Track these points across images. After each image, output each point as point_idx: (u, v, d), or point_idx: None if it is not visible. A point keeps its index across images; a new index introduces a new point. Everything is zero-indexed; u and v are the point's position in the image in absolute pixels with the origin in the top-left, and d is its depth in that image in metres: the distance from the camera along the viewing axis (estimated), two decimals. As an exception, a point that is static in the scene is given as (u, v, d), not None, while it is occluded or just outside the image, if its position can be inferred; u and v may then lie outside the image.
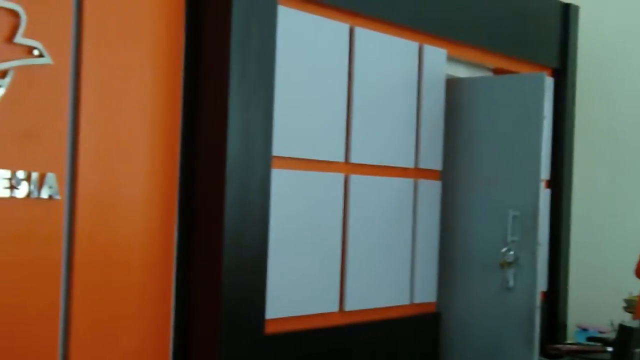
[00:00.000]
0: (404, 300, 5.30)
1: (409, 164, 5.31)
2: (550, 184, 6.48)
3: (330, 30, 4.76)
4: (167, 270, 4.08)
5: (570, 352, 3.98)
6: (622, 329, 3.68)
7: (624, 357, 3.64)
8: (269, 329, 4.38)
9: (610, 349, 3.80)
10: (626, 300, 6.00)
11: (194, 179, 4.17)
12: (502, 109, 5.49)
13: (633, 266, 5.36)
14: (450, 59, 5.65)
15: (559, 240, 6.53)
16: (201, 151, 4.16)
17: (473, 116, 5.60)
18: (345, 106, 4.85)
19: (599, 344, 5.24)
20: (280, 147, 4.42)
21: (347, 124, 4.87)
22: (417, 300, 5.38)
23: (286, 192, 4.49)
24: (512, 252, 5.40)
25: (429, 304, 5.52)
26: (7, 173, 3.50)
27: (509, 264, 5.41)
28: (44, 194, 3.59)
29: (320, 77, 4.69)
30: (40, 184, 3.58)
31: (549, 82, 6.02)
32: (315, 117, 4.67)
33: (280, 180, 4.44)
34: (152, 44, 4.00)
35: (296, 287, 4.57)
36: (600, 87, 6.79)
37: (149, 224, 3.99)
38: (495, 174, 5.52)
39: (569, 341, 6.31)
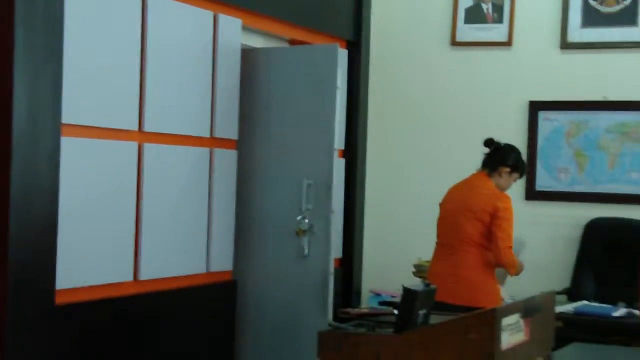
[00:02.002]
0: (200, 269, 5.31)
1: (205, 133, 5.31)
2: (345, 153, 6.63)
3: (123, -4, 4.68)
4: (-51, 242, 3.93)
5: (359, 316, 4.10)
6: (407, 292, 3.80)
7: (409, 318, 3.77)
8: (60, 300, 4.30)
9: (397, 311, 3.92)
10: (415, 266, 6.22)
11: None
12: (297, 79, 5.57)
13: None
14: (246, 29, 5.68)
15: (354, 209, 6.71)
16: (-14, 119, 4.02)
17: (269, 86, 5.65)
18: (138, 74, 4.79)
19: (389, 307, 5.41)
20: (70, 114, 4.33)
21: (140, 92, 4.81)
22: (213, 269, 5.41)
23: (77, 160, 4.40)
24: (306, 220, 5.51)
25: (225, 272, 5.56)
26: None
27: (304, 231, 5.51)
28: None
29: (112, 43, 4.61)
30: None
31: (342, 53, 6.15)
32: (107, 85, 4.59)
33: (71, 149, 4.35)
34: None
35: (88, 257, 4.49)
36: (393, 58, 6.98)
37: None
38: (290, 144, 5.60)
39: (363, 306, 6.49)
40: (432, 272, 5.37)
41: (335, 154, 5.49)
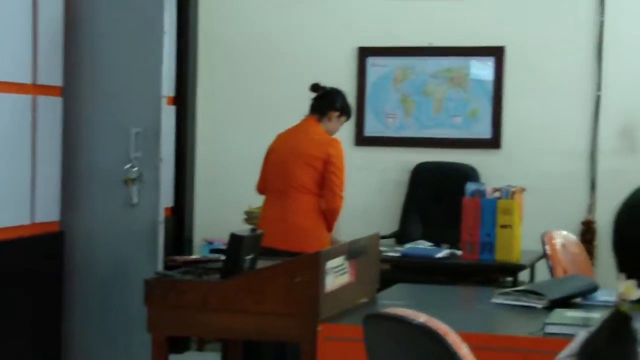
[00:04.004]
0: (24, 220, 5.17)
1: (26, 79, 5.14)
2: (175, 100, 6.55)
3: None
4: None
5: (186, 263, 4.10)
6: (233, 238, 3.82)
7: (235, 263, 3.80)
8: None
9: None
10: (246, 213, 6.24)
11: None
12: (123, 24, 5.45)
13: (254, 182, 5.58)
14: (68, -28, 5.50)
15: (184, 157, 6.66)
16: None
17: (94, 31, 5.51)
18: (-48, 18, 4.59)
19: (219, 255, 5.43)
20: None
21: (-45, 37, 4.62)
22: (38, 220, 5.27)
23: None
24: (135, 169, 5.43)
25: (51, 223, 5.43)
26: None
27: (133, 180, 5.44)
28: None
29: None
30: None
31: (169, -2, 6.05)
32: None
33: None
34: None
35: None
36: (222, 3, 6.92)
37: None
38: (117, 90, 5.49)
39: (195, 255, 6.48)
40: (262, 218, 5.41)
41: (164, 101, 5.43)
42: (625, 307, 1.58)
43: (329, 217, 5.30)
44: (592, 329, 1.60)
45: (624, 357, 1.52)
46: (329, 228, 5.35)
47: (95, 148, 5.54)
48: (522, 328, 3.39)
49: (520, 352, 3.23)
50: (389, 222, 6.61)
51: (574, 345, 1.64)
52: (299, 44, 6.84)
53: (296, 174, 5.23)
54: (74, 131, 5.53)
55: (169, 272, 3.92)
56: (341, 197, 5.23)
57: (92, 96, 5.53)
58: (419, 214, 6.61)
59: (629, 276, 1.61)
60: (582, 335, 1.64)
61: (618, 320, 1.57)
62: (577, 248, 4.73)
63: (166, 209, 5.84)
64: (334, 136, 5.43)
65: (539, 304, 3.67)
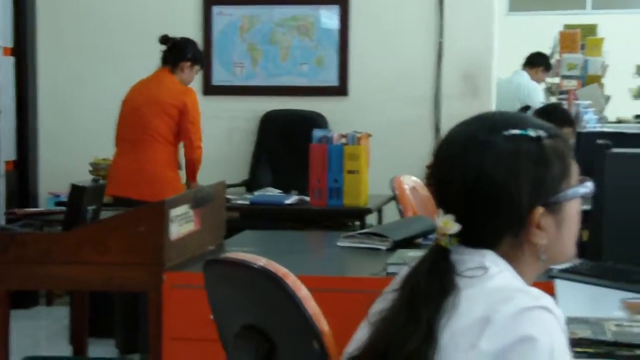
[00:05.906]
0: None
1: None
2: (13, 51, 6.34)
3: None
4: None
5: (26, 215, 4.01)
6: (74, 189, 3.76)
7: (77, 214, 3.74)
8: None
9: (68, 209, 3.86)
10: (92, 164, 6.13)
11: None
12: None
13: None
14: None
15: (26, 109, 6.47)
16: None
17: None
18: None
19: (63, 207, 5.33)
20: None
21: None
22: None
23: None
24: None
25: None
26: None
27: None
28: None
29: None
30: None
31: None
32: None
33: None
34: None
35: None
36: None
37: None
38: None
39: (41, 208, 6.34)
40: (116, 168, 5.33)
41: (0, 52, 5.26)
42: (444, 241, 1.63)
43: (189, 167, 5.30)
44: (414, 263, 1.65)
45: (441, 288, 1.58)
46: (191, 178, 5.33)
47: None
48: (365, 269, 3.45)
49: (363, 293, 3.27)
50: (239, 171, 6.62)
51: (397, 280, 1.68)
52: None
53: (152, 122, 5.18)
54: None
55: (8, 225, 3.82)
56: (199, 147, 5.24)
57: None
58: (268, 161, 6.63)
59: (447, 211, 1.66)
60: (405, 270, 1.68)
61: (437, 253, 1.62)
62: (426, 191, 4.84)
63: (8, 162, 5.68)
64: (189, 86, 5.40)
65: (382, 246, 3.73)
